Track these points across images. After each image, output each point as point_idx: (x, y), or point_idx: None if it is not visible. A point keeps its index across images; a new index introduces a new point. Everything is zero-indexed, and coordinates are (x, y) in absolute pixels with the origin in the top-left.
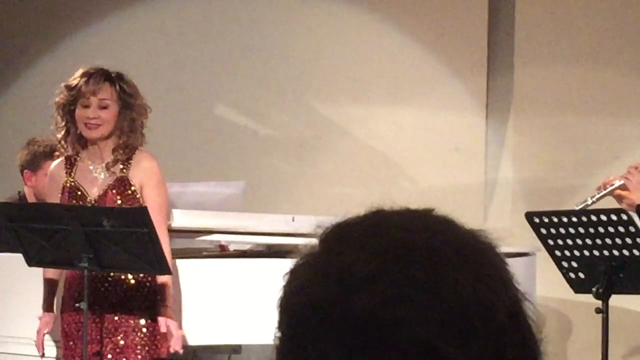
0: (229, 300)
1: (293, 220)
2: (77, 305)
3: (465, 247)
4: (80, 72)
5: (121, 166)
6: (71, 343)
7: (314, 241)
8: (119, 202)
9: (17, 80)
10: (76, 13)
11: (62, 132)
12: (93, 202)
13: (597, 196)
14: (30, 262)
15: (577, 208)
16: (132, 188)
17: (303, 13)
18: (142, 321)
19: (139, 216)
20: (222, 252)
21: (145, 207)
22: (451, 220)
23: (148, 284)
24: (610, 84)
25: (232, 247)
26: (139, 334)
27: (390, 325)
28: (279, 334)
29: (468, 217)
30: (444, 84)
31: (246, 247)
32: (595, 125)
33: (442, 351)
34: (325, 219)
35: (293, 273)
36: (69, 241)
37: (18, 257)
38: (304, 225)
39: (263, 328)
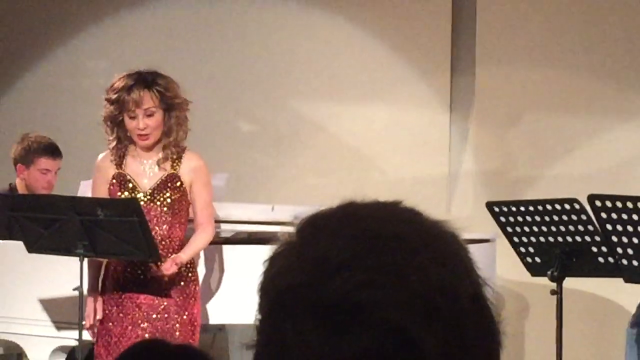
0: (215, 283)
1: (273, 209)
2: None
3: (430, 235)
4: (119, 82)
5: (172, 164)
6: (110, 324)
7: (292, 230)
8: (169, 195)
9: (16, 83)
10: (70, 18)
11: (114, 143)
12: (146, 194)
13: None
14: (30, 249)
15: None
16: (184, 185)
17: (284, 19)
18: (179, 307)
19: (130, 206)
20: None
21: (136, 199)
22: (418, 211)
23: (184, 271)
24: (563, 83)
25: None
26: (178, 318)
27: (362, 307)
28: (259, 316)
29: (433, 206)
30: (411, 83)
31: (230, 235)
32: (549, 121)
33: (408, 331)
34: (302, 209)
35: (272, 260)
36: (66, 229)
37: (18, 244)
38: (283, 214)
39: (245, 309)
